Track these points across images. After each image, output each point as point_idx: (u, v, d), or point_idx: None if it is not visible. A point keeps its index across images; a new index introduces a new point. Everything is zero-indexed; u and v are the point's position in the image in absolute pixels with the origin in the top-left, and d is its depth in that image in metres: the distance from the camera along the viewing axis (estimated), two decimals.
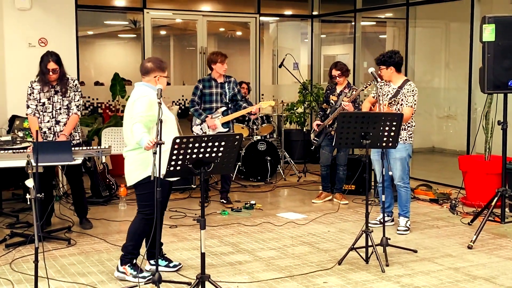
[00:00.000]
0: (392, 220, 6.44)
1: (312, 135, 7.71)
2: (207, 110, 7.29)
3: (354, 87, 7.58)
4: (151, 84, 4.81)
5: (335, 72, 7.40)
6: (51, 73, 5.97)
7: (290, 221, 6.66)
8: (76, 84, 6.21)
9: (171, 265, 5.07)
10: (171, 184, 4.92)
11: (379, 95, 5.90)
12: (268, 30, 13.31)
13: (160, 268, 4.85)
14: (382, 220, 5.60)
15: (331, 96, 7.52)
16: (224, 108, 7.32)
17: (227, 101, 7.36)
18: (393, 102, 5.98)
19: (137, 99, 4.69)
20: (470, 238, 5.83)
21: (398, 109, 6.06)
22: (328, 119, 7.43)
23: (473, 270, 5.05)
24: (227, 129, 7.34)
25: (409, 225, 6.25)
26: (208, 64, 7.40)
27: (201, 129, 7.32)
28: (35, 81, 6.10)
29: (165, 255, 5.13)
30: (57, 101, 6.10)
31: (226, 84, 7.35)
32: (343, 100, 7.25)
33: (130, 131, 4.65)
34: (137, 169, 4.73)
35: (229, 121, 7.39)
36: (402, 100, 6.05)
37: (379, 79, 5.90)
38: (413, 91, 6.08)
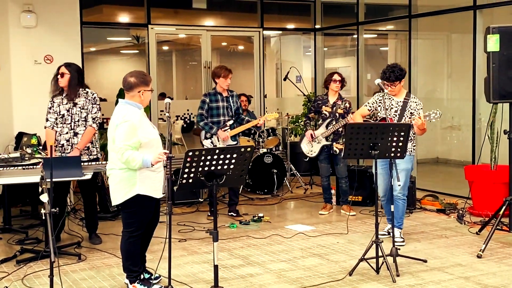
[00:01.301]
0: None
1: (304, 147, 7.71)
2: (215, 123, 7.31)
3: (346, 99, 7.64)
4: (135, 100, 4.69)
5: (337, 77, 7.48)
6: (59, 76, 6.06)
7: (299, 233, 6.68)
8: (95, 97, 6.25)
9: (153, 277, 5.06)
10: (158, 202, 4.92)
11: (386, 108, 5.95)
12: (270, 44, 13.40)
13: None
14: (389, 231, 5.61)
15: (323, 107, 7.57)
16: (231, 122, 7.37)
17: (233, 114, 7.41)
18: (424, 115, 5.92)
19: (119, 124, 4.57)
20: (479, 247, 5.85)
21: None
22: (326, 131, 7.46)
23: (484, 279, 5.07)
24: (235, 142, 7.39)
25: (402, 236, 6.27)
26: (212, 77, 7.47)
27: (211, 142, 7.33)
28: (55, 95, 6.17)
29: (146, 268, 5.11)
30: (76, 113, 6.16)
31: (231, 98, 7.42)
32: (337, 114, 7.35)
33: (115, 153, 4.60)
34: (123, 188, 4.66)
35: (236, 134, 7.43)
36: (411, 113, 6.04)
37: (386, 91, 5.94)
38: (420, 103, 6.12)
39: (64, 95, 6.15)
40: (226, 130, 7.31)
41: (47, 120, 6.18)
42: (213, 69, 7.62)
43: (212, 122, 7.31)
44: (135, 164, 4.49)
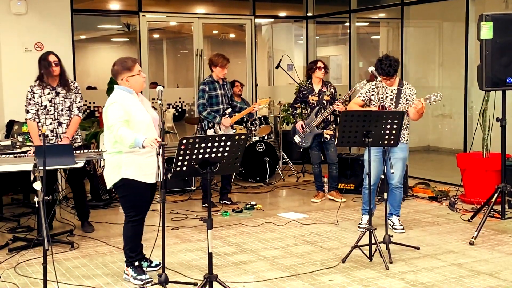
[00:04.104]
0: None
1: (297, 138, 7.69)
2: (215, 112, 7.18)
3: (330, 84, 7.63)
4: (124, 86, 4.76)
5: (321, 64, 7.50)
6: (53, 65, 5.99)
7: (291, 221, 6.68)
8: (76, 86, 6.26)
9: (152, 265, 5.09)
10: (153, 186, 4.94)
11: (377, 95, 5.95)
12: (261, 32, 13.34)
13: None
14: (365, 226, 5.61)
15: (310, 96, 7.54)
16: (230, 109, 7.30)
17: (229, 102, 7.36)
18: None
19: (108, 106, 4.66)
20: (471, 234, 5.87)
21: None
22: (315, 120, 7.45)
23: (476, 266, 5.09)
24: (234, 130, 7.36)
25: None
26: (209, 65, 7.32)
27: (214, 132, 7.24)
28: (35, 85, 6.09)
29: (145, 256, 5.12)
30: (59, 103, 6.12)
31: (225, 86, 7.35)
32: (325, 101, 7.35)
33: (108, 137, 4.68)
34: (112, 172, 4.75)
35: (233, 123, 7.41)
36: (406, 100, 6.04)
37: (379, 78, 5.91)
38: (413, 89, 6.11)
39: (50, 88, 6.09)
40: (226, 118, 7.25)
41: (27, 111, 6.07)
42: (210, 56, 7.45)
43: (213, 111, 7.18)
44: (127, 142, 4.49)
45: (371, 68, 5.84)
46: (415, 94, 6.06)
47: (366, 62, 12.18)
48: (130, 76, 4.73)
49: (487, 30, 5.96)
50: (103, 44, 17.22)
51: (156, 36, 15.93)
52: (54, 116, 6.12)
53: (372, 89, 6.10)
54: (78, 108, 6.21)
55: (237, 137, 4.23)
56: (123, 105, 4.62)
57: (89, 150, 6.18)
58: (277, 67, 9.86)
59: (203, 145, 4.10)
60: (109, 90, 9.47)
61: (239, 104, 7.66)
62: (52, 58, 6.02)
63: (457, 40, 9.32)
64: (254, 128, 9.11)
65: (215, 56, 7.26)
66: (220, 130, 7.18)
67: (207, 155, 4.16)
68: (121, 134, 4.51)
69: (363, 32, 13.12)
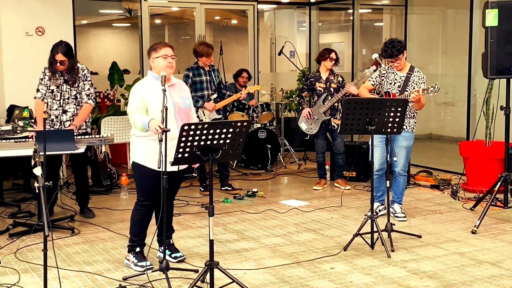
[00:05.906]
0: (385, 209, 6.37)
1: (303, 125, 7.64)
2: (199, 98, 7.23)
3: (337, 73, 7.59)
4: (152, 70, 4.78)
5: (334, 56, 7.45)
6: (58, 64, 5.92)
7: (293, 208, 6.66)
8: (85, 74, 6.12)
9: (173, 255, 5.02)
10: (175, 174, 4.77)
11: (380, 82, 5.89)
12: (263, 18, 13.26)
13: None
14: (378, 211, 5.60)
15: (317, 83, 7.51)
16: (215, 95, 7.33)
17: (215, 88, 7.35)
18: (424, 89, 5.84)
19: (130, 92, 4.78)
20: (473, 223, 5.85)
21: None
22: (322, 107, 7.42)
23: (479, 255, 5.07)
24: (220, 116, 7.35)
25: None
26: (194, 54, 7.32)
27: (197, 116, 7.25)
28: (47, 68, 6.05)
29: (172, 245, 5.08)
30: (65, 90, 6.06)
31: (213, 72, 7.36)
32: (332, 89, 7.35)
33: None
34: (130, 154, 4.89)
35: (219, 109, 7.38)
36: (413, 88, 5.98)
37: (383, 65, 5.87)
38: (424, 77, 6.05)
39: (59, 74, 6.04)
40: (210, 103, 7.25)
41: (38, 90, 6.06)
42: (194, 46, 7.42)
43: (196, 97, 7.21)
44: (138, 126, 4.59)
45: (375, 55, 5.78)
46: (423, 82, 6.00)
47: (369, 49, 12.11)
48: (155, 58, 4.74)
49: (492, 18, 5.90)
50: (105, 29, 17.11)
51: (157, 21, 15.82)
52: (60, 103, 6.06)
53: (383, 74, 6.05)
54: (88, 95, 6.09)
55: (239, 123, 4.19)
56: (141, 94, 4.67)
57: (90, 136, 6.15)
58: (279, 54, 9.79)
59: (205, 131, 4.06)
60: (110, 76, 9.45)
61: (228, 92, 7.61)
62: (59, 57, 5.89)
63: (461, 28, 9.24)
64: (256, 115, 9.07)
65: (199, 46, 7.26)
66: (204, 115, 7.18)
67: (208, 142, 4.12)
68: (134, 119, 4.61)
69: (366, 19, 13.04)
